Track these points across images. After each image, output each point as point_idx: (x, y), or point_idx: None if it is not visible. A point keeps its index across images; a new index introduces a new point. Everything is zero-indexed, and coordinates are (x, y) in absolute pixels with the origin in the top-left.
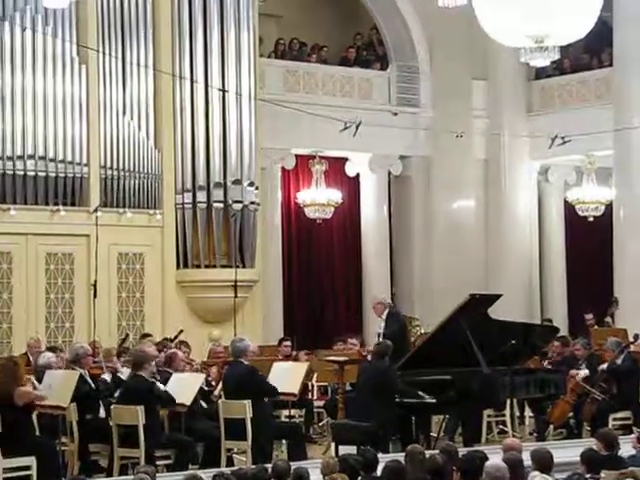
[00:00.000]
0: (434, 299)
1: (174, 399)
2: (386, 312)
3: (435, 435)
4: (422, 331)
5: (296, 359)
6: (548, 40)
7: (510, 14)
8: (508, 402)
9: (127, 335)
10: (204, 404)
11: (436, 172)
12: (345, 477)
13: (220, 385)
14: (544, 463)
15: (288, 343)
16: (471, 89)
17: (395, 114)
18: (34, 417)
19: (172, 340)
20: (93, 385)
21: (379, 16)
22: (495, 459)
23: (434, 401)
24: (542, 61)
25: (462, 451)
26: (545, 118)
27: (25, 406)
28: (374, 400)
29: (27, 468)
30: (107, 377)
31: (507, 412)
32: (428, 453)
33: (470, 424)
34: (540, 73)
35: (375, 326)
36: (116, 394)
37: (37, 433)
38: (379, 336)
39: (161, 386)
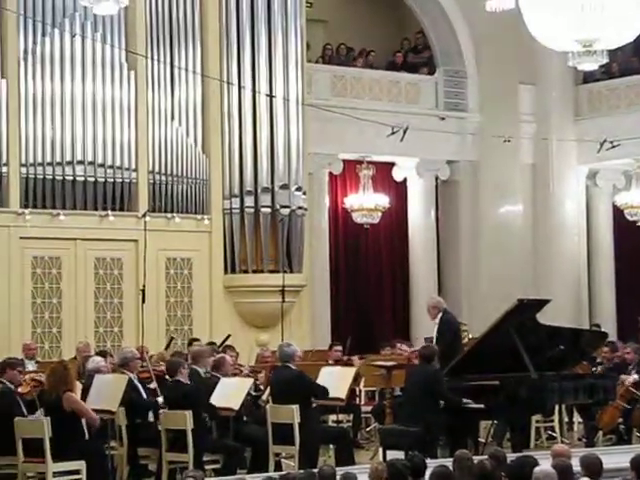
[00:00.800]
0: (482, 304)
1: (214, 407)
2: (439, 316)
3: (483, 440)
4: (470, 336)
5: (348, 364)
6: (597, 44)
7: (559, 18)
8: (557, 408)
9: (172, 339)
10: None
11: (483, 177)
12: None
13: (268, 390)
14: (593, 469)
15: (339, 348)
16: (518, 93)
17: (442, 119)
18: (83, 421)
19: (220, 345)
20: (142, 389)
21: (426, 20)
22: (544, 465)
23: (482, 406)
24: (590, 65)
25: (510, 457)
26: (593, 122)
27: (72, 412)
28: (421, 405)
29: (77, 472)
30: (153, 385)
31: (556, 418)
32: (476, 459)
33: (518, 430)
34: (588, 77)
35: (422, 330)
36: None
37: (86, 437)
38: (433, 340)
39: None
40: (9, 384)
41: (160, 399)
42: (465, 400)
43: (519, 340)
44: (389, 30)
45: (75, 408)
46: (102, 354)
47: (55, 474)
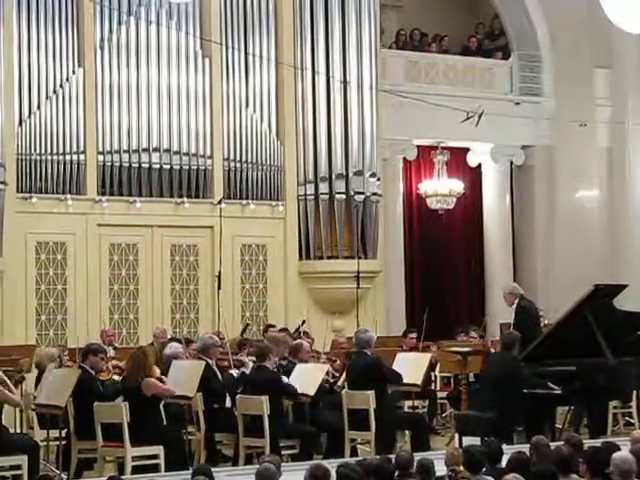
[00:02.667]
0: (558, 290)
1: (296, 391)
2: (516, 302)
3: (560, 426)
4: (546, 322)
5: (425, 350)
6: None
7: (636, 1)
8: (635, 394)
9: (247, 325)
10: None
11: (559, 161)
12: (465, 472)
13: (344, 376)
14: None
15: (414, 335)
16: (594, 77)
17: (517, 103)
18: (161, 407)
19: (295, 331)
20: (220, 376)
21: (500, 5)
22: (623, 451)
23: (559, 392)
24: None
25: (587, 443)
26: None
27: (153, 396)
28: (499, 391)
29: (155, 457)
30: (234, 372)
31: (634, 404)
32: (553, 445)
33: (596, 416)
34: None
35: (497, 316)
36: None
37: (164, 422)
38: (510, 327)
39: (284, 378)
40: (90, 370)
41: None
42: (550, 385)
43: (596, 326)
44: (463, 15)
45: (154, 392)
46: (179, 340)
47: (134, 458)
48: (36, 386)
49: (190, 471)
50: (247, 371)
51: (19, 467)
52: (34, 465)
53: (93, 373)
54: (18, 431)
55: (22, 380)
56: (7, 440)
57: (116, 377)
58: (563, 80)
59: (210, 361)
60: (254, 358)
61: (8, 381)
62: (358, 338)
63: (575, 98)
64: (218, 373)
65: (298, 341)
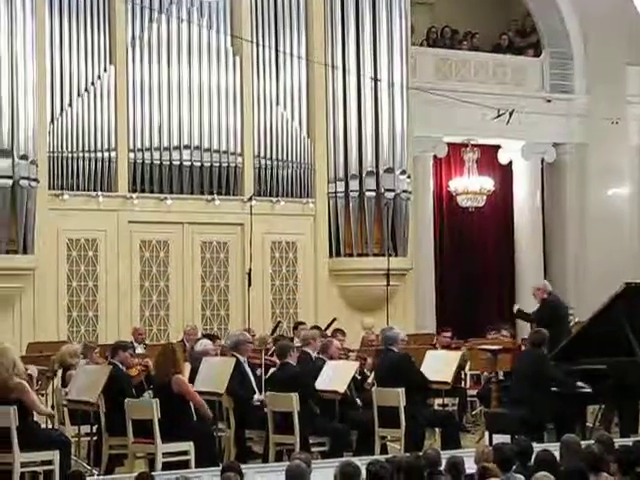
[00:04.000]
0: (588, 288)
1: (314, 391)
2: (544, 298)
3: (590, 425)
4: (576, 320)
5: (457, 349)
6: None
7: None
8: None
9: (279, 323)
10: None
11: (590, 159)
12: (496, 468)
13: (374, 373)
14: None
15: (448, 333)
16: (626, 74)
17: (549, 101)
18: (191, 403)
19: (326, 328)
20: (251, 372)
21: (532, 2)
22: None
23: (589, 391)
24: None
25: (618, 442)
26: None
27: (179, 393)
28: (529, 389)
29: (185, 453)
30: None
31: None
32: (584, 443)
33: (626, 414)
34: None
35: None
36: None
37: (194, 419)
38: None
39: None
40: (121, 366)
41: (256, 397)
42: (579, 384)
43: (627, 324)
44: (494, 12)
45: (183, 391)
46: (210, 337)
47: (164, 454)
48: (62, 383)
49: (220, 467)
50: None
51: (50, 462)
52: (65, 461)
53: (124, 369)
54: (50, 427)
55: (54, 376)
56: (39, 435)
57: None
58: (595, 77)
59: (242, 358)
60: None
61: (35, 372)
62: (385, 336)
63: (607, 95)
64: (249, 370)
65: (328, 339)
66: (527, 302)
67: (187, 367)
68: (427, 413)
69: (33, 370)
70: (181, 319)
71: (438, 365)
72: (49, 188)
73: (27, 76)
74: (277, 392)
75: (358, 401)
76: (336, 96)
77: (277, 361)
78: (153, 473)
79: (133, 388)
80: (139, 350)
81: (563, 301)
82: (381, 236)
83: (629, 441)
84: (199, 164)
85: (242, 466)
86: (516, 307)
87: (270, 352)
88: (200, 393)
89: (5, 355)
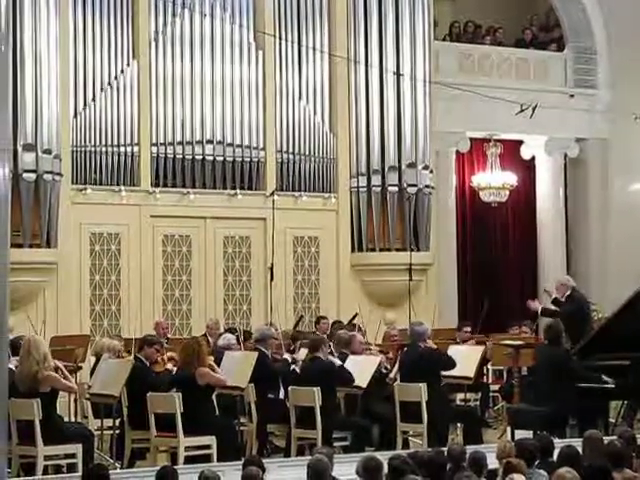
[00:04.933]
0: (612, 283)
1: (352, 376)
2: (567, 294)
3: (613, 421)
4: (600, 316)
5: (479, 344)
6: None
7: None
8: None
9: (302, 317)
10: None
11: (614, 154)
12: (522, 462)
13: (396, 368)
14: None
15: (468, 328)
16: None
17: (572, 96)
18: (214, 398)
19: (348, 323)
20: (274, 367)
21: None
22: None
23: (612, 386)
24: None
25: None
26: None
27: (206, 386)
28: (552, 384)
29: (207, 447)
30: (288, 356)
31: None
32: (606, 439)
33: None
34: None
35: None
36: None
37: (217, 413)
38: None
39: (337, 361)
40: (145, 360)
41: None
42: (604, 378)
43: None
44: (517, 6)
45: (208, 381)
46: (232, 331)
47: (186, 448)
48: (91, 375)
49: (242, 462)
50: (297, 368)
51: (74, 456)
52: (88, 454)
53: (147, 364)
54: (73, 420)
55: (77, 370)
56: (62, 429)
57: (169, 366)
58: (618, 72)
59: (267, 352)
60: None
61: (63, 367)
62: (413, 330)
63: (630, 90)
64: (273, 364)
65: (351, 333)
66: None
67: (211, 360)
68: (449, 408)
69: (59, 365)
70: (203, 313)
71: (460, 360)
72: (72, 182)
73: (50, 71)
74: (305, 386)
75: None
76: (359, 91)
77: (296, 357)
78: (175, 467)
79: (158, 383)
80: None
81: (586, 296)
82: (403, 231)
83: None
84: (221, 159)
85: (264, 460)
86: (538, 307)
87: (292, 347)
88: (223, 387)
89: (37, 348)
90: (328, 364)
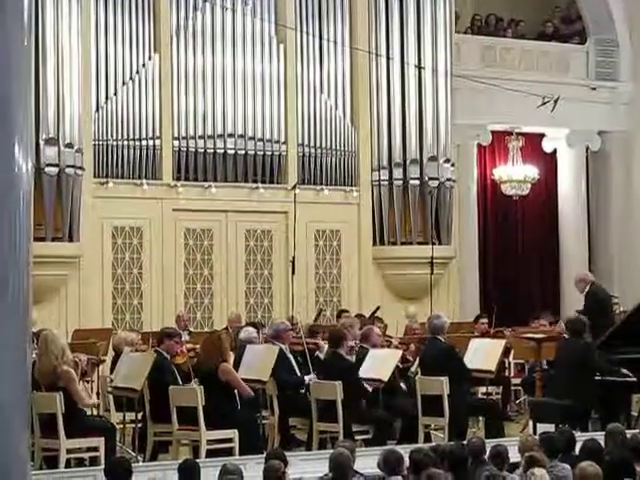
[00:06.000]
0: (634, 277)
1: (362, 386)
2: (587, 289)
3: (635, 414)
4: (621, 309)
5: (498, 336)
6: None
7: None
8: None
9: (321, 310)
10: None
11: (636, 147)
12: (544, 456)
13: (417, 362)
14: None
15: (485, 320)
16: None
17: (594, 89)
18: (236, 391)
19: (370, 316)
20: (293, 362)
21: None
22: None
23: (634, 379)
24: None
25: None
26: None
27: (226, 382)
28: (574, 378)
29: (229, 440)
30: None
31: None
32: (629, 432)
33: None
34: None
35: (572, 304)
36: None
37: (238, 407)
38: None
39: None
40: (165, 354)
41: (309, 377)
42: (624, 371)
43: None
44: (539, 0)
45: (229, 379)
46: (254, 325)
47: (208, 442)
48: (112, 369)
49: (264, 455)
50: (322, 355)
51: (96, 449)
52: (110, 447)
53: (168, 357)
54: (95, 413)
55: (100, 363)
56: (84, 422)
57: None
58: None
59: (283, 346)
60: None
61: (85, 360)
62: (431, 324)
63: None
64: (292, 359)
65: (368, 326)
66: (572, 291)
67: (231, 355)
68: (471, 402)
69: (82, 359)
70: (225, 307)
71: (482, 353)
72: (94, 176)
73: (72, 65)
74: (325, 379)
75: (403, 386)
76: (380, 84)
77: (321, 344)
78: (197, 460)
79: (178, 376)
80: (183, 337)
81: (606, 290)
82: (425, 224)
83: None
84: (243, 152)
85: (286, 454)
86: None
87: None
88: (244, 381)
89: (55, 342)
90: (348, 364)
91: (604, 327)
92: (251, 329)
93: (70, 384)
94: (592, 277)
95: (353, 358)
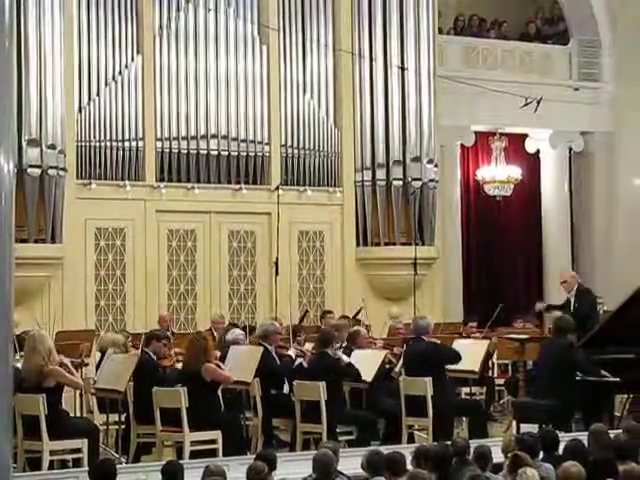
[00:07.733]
0: (616, 278)
1: (359, 372)
2: (575, 288)
3: (618, 414)
4: (605, 309)
5: (486, 339)
6: None
7: None
8: None
9: (307, 312)
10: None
11: (619, 148)
12: (526, 455)
13: (401, 362)
14: None
15: (474, 323)
16: None
17: (576, 89)
18: (219, 393)
19: (353, 317)
20: (278, 361)
21: None
22: None
23: (617, 379)
24: None
25: None
26: None
27: (212, 381)
28: (557, 378)
29: (213, 442)
30: (292, 352)
31: None
32: (612, 433)
33: None
34: None
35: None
36: None
37: (222, 408)
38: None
39: (345, 357)
40: (152, 355)
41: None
42: (603, 372)
43: None
44: (521, 0)
45: (214, 377)
46: (243, 328)
47: (192, 443)
48: (97, 370)
49: (248, 456)
50: (305, 363)
51: (79, 450)
52: (94, 449)
53: (155, 358)
54: (78, 415)
55: (83, 365)
56: (67, 424)
57: (179, 365)
58: (623, 65)
59: (270, 347)
60: (312, 345)
61: (69, 363)
62: (416, 324)
63: (635, 83)
64: (277, 359)
65: (355, 328)
66: (555, 291)
67: (216, 355)
68: (454, 402)
69: (65, 362)
70: (208, 308)
71: (465, 354)
72: (77, 177)
73: (55, 66)
74: (310, 380)
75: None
76: (363, 85)
77: (305, 352)
78: (181, 461)
79: (164, 378)
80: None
81: (592, 290)
82: (408, 225)
83: None
84: (226, 153)
85: None
86: (541, 306)
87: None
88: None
89: (42, 342)
90: (335, 361)
91: (593, 326)
92: (238, 331)
93: (61, 378)
94: (578, 277)
95: (345, 358)
